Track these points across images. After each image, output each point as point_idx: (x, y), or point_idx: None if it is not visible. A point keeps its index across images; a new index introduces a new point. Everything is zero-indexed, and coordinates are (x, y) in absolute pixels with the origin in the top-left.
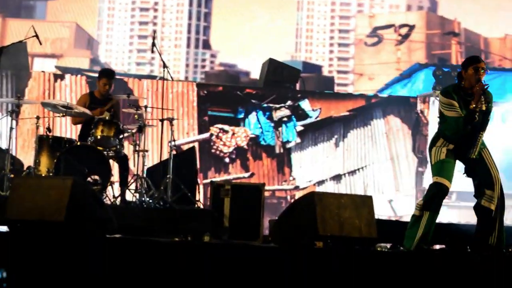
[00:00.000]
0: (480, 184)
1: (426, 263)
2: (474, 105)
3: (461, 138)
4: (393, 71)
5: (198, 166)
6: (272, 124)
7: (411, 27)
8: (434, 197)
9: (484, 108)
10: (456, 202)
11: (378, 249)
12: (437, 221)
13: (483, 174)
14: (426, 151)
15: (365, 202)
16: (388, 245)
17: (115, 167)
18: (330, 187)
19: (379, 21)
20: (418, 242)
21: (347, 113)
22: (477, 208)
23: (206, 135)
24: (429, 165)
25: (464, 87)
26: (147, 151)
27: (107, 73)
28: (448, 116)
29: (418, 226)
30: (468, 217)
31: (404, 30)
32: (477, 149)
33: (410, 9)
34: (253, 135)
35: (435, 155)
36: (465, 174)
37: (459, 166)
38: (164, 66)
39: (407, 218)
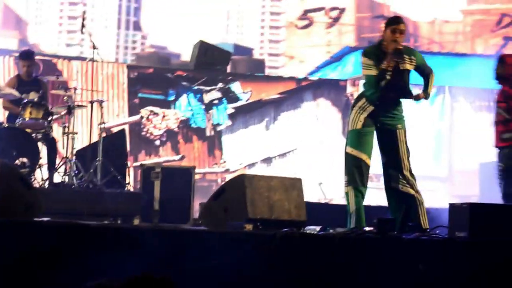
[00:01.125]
0: (387, 164)
1: (355, 246)
2: (385, 65)
3: (381, 99)
4: (323, 54)
5: (128, 148)
6: (203, 107)
7: (341, 10)
8: (352, 170)
9: (406, 67)
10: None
11: (307, 231)
12: (365, 203)
13: (391, 154)
14: None
15: (295, 184)
16: (318, 228)
17: (43, 149)
18: (260, 170)
19: (309, 4)
20: (352, 220)
21: (278, 96)
22: (393, 190)
23: (136, 118)
24: None
25: (384, 46)
26: (76, 133)
27: (25, 55)
28: (364, 74)
29: (348, 203)
30: None
31: (334, 13)
32: (397, 114)
33: None
34: (183, 118)
35: (353, 120)
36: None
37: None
38: (94, 47)
39: (336, 201)
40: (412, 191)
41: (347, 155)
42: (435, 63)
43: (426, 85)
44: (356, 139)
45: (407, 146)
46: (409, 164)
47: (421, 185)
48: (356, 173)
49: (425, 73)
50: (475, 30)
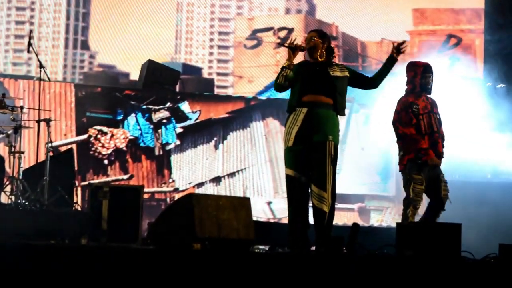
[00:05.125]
0: (312, 179)
1: (302, 264)
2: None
3: (311, 108)
4: (272, 73)
5: (76, 168)
6: (152, 126)
7: (290, 30)
8: (289, 190)
9: (336, 74)
10: None
11: (256, 250)
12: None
13: (317, 170)
14: None
15: (243, 203)
16: (267, 247)
17: None
18: (209, 189)
19: (258, 24)
20: (290, 242)
21: (227, 115)
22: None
23: (84, 137)
24: None
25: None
26: (23, 152)
27: None
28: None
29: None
30: (345, 219)
31: (283, 33)
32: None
33: (288, 12)
34: (132, 137)
35: (286, 137)
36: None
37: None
38: (41, 66)
39: (286, 220)
40: (325, 208)
41: (286, 176)
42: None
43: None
44: (289, 158)
45: (334, 161)
46: (333, 180)
47: (370, 204)
48: (293, 193)
49: (365, 76)
50: (422, 51)
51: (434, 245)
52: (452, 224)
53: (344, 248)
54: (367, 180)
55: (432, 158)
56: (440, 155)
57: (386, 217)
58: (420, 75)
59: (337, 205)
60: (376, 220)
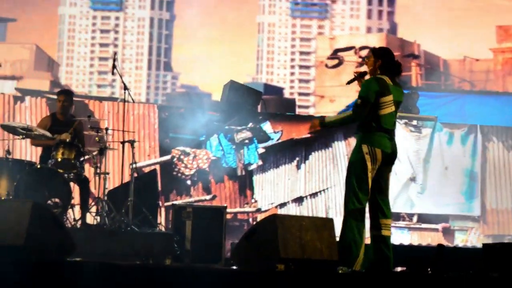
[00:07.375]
0: None
1: (386, 284)
2: None
3: None
4: (353, 93)
5: (159, 188)
6: (234, 147)
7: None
8: None
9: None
10: (417, 224)
11: (340, 271)
12: (397, 243)
13: None
14: None
15: (326, 224)
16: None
17: (76, 189)
18: (292, 210)
19: (339, 43)
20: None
21: (309, 135)
22: None
23: (167, 158)
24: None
25: None
26: (108, 173)
27: (62, 91)
28: None
29: None
30: (429, 239)
31: (364, 52)
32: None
33: (370, 31)
34: (214, 158)
35: None
36: None
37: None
38: (125, 88)
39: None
40: None
41: None
42: (466, 101)
43: None
44: None
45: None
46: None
47: (454, 224)
48: None
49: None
50: (506, 68)
51: None
52: None
53: (429, 268)
54: (451, 200)
55: None
56: None
57: (471, 237)
58: None
59: (421, 225)
60: (461, 240)
